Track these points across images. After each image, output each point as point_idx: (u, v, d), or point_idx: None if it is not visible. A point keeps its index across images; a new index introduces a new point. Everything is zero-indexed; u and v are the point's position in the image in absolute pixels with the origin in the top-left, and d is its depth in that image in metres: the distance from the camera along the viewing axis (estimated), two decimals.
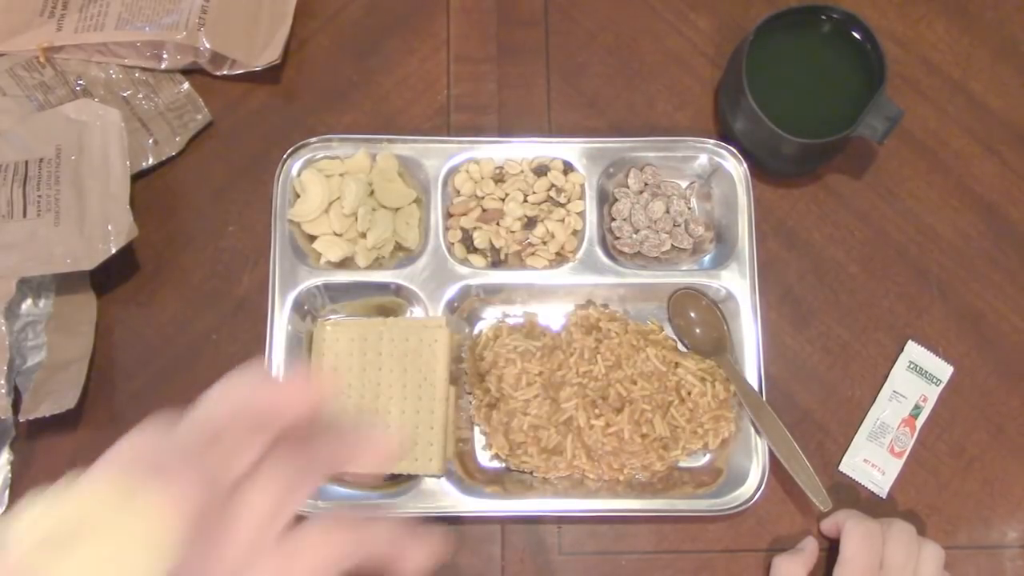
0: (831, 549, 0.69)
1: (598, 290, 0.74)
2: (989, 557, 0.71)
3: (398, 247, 0.75)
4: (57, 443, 0.71)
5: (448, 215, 0.75)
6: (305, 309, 0.72)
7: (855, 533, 0.64)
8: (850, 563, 0.64)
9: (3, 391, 0.67)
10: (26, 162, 0.70)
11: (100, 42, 0.76)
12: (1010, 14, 0.82)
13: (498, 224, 0.74)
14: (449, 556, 0.70)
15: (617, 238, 0.74)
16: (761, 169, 0.76)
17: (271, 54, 0.77)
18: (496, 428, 0.70)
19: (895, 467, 0.72)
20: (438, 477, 0.68)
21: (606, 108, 0.79)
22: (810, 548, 0.68)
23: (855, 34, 0.73)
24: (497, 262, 0.74)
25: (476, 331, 0.74)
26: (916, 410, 0.73)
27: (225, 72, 0.77)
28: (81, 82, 0.77)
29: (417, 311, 0.73)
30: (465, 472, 0.70)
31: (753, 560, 0.70)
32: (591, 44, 0.81)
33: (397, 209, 0.74)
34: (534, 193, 0.74)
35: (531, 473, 0.70)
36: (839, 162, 0.77)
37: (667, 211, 0.75)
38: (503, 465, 0.71)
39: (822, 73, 0.74)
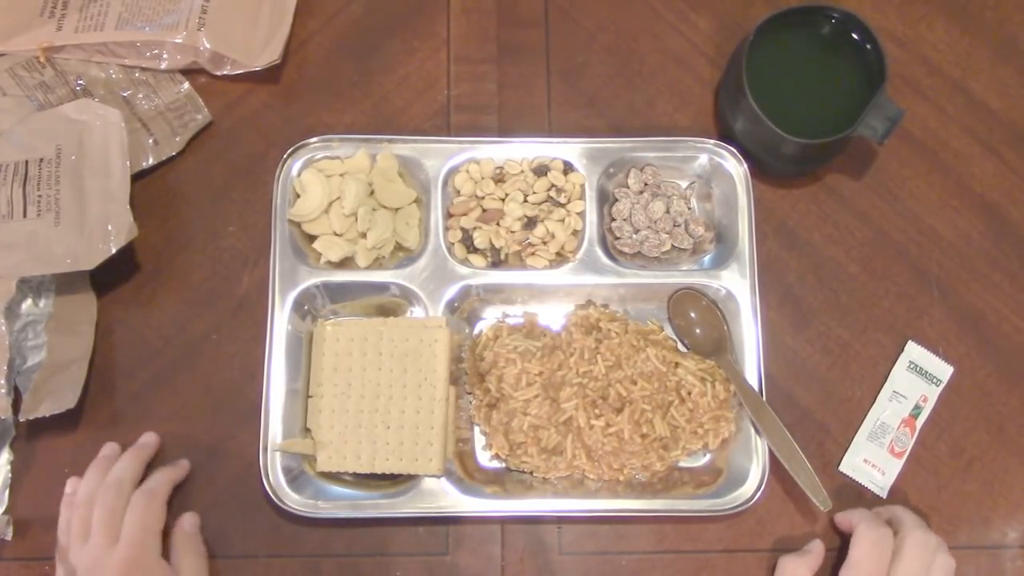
0: (841, 549, 0.69)
1: (598, 290, 0.74)
2: (989, 557, 0.71)
3: (398, 247, 0.75)
4: (57, 443, 0.71)
5: (448, 215, 0.75)
6: (305, 309, 0.72)
7: (866, 539, 0.64)
8: (857, 567, 0.64)
9: (3, 391, 0.67)
10: (26, 162, 0.70)
11: (100, 42, 0.76)
12: (1010, 14, 0.82)
13: (498, 224, 0.74)
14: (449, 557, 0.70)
15: (617, 238, 0.74)
16: (761, 169, 0.76)
17: (271, 54, 0.77)
18: (496, 428, 0.70)
19: (895, 467, 0.72)
20: (438, 477, 0.68)
21: (606, 108, 0.79)
22: (816, 550, 0.68)
23: (855, 34, 0.73)
24: (497, 262, 0.74)
25: (476, 331, 0.74)
26: (916, 410, 0.73)
27: (225, 72, 0.77)
28: (81, 82, 0.77)
29: (417, 311, 0.73)
30: (465, 472, 0.70)
31: (753, 560, 0.70)
32: (591, 44, 0.81)
33: (397, 209, 0.74)
34: (534, 193, 0.74)
35: (531, 473, 0.70)
36: (839, 162, 0.77)
37: (667, 211, 0.75)
38: (503, 465, 0.71)
39: (822, 73, 0.74)
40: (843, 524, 0.68)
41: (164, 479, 0.68)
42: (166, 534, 0.66)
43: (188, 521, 0.68)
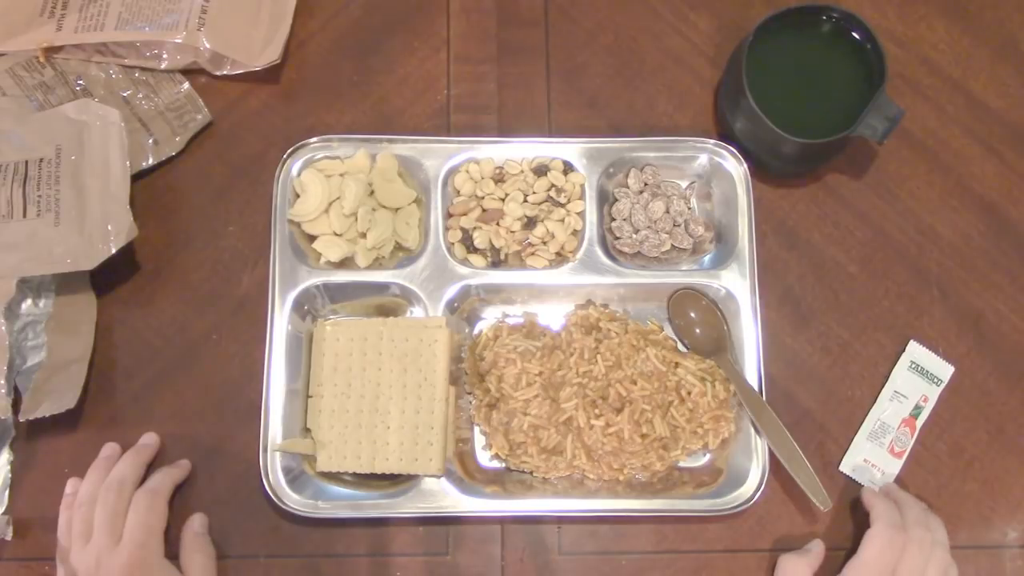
0: (841, 548, 0.69)
1: (598, 290, 0.74)
2: (989, 557, 0.71)
3: (398, 247, 0.75)
4: (57, 443, 0.71)
5: (448, 215, 0.75)
6: (305, 309, 0.72)
7: (878, 540, 0.64)
8: (866, 566, 0.64)
9: (3, 391, 0.67)
10: (26, 162, 0.70)
11: (100, 42, 0.76)
12: (1010, 14, 0.82)
13: (498, 224, 0.74)
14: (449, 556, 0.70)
15: (617, 238, 0.74)
16: (761, 169, 0.76)
17: (271, 54, 0.77)
18: (496, 428, 0.70)
19: (895, 467, 0.72)
20: (438, 477, 0.68)
21: (606, 108, 0.79)
22: (817, 550, 0.68)
23: (855, 34, 0.73)
24: (497, 262, 0.74)
25: (476, 331, 0.74)
26: (916, 410, 0.73)
27: (225, 72, 0.77)
28: (81, 82, 0.77)
29: (417, 311, 0.73)
30: (465, 472, 0.70)
31: (753, 560, 0.70)
32: (591, 44, 0.81)
33: (397, 209, 0.74)
34: (534, 193, 0.74)
35: (531, 473, 0.70)
36: (839, 162, 0.77)
37: (667, 211, 0.75)
38: (503, 465, 0.71)
39: (822, 73, 0.74)
40: (866, 503, 0.68)
41: (166, 479, 0.68)
42: (168, 534, 0.66)
43: (198, 521, 0.69)
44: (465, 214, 0.74)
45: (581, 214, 0.75)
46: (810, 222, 0.77)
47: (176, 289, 0.75)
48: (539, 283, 0.73)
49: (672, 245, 0.74)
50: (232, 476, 0.71)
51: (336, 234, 0.73)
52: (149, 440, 0.70)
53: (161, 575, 0.64)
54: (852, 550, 0.66)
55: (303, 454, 0.70)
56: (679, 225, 0.75)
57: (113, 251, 0.69)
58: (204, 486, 0.71)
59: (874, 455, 0.72)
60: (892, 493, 0.69)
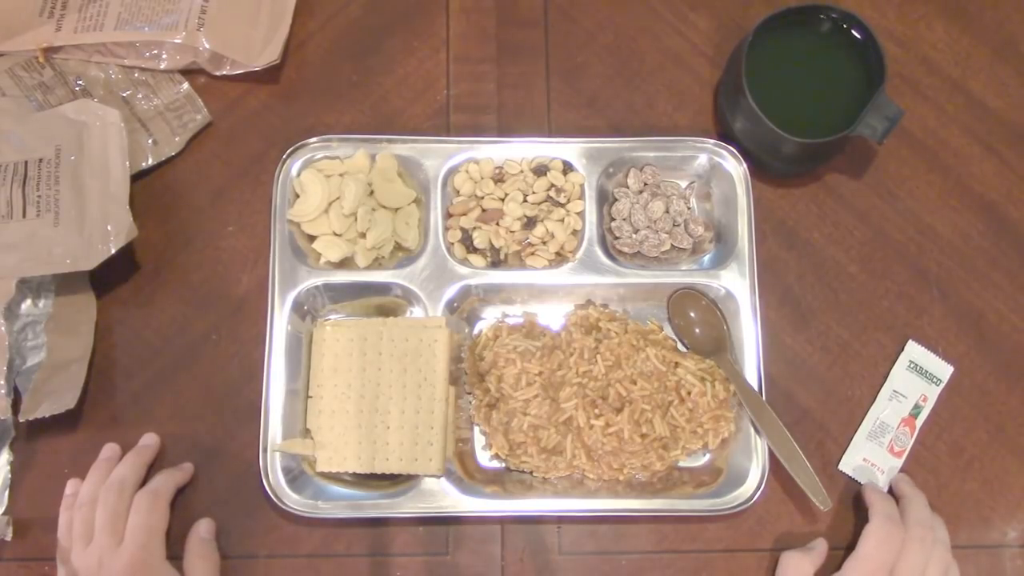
0: (844, 548, 0.69)
1: (598, 290, 0.74)
2: (989, 556, 0.71)
3: (398, 247, 0.75)
4: (57, 443, 0.71)
5: (448, 215, 0.75)
6: (305, 309, 0.72)
7: (876, 535, 0.65)
8: (864, 561, 0.64)
9: (3, 391, 0.67)
10: (26, 162, 0.70)
11: (99, 42, 0.76)
12: (1009, 14, 0.82)
13: (498, 224, 0.74)
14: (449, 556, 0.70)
15: (617, 238, 0.74)
16: (761, 169, 0.76)
17: (271, 54, 0.77)
18: (496, 428, 0.70)
19: (895, 467, 0.72)
20: (438, 477, 0.68)
21: (606, 108, 0.79)
22: (820, 549, 0.68)
23: (855, 34, 0.73)
24: (497, 262, 0.74)
25: (476, 331, 0.74)
26: (916, 410, 0.73)
27: (225, 72, 0.77)
28: (81, 82, 0.77)
29: (417, 311, 0.73)
30: (465, 472, 0.70)
31: (753, 560, 0.70)
32: (591, 44, 0.81)
33: (397, 209, 0.74)
34: (534, 193, 0.74)
35: (531, 473, 0.70)
36: (839, 162, 0.77)
37: (667, 211, 0.75)
38: (503, 465, 0.71)
39: (822, 73, 0.74)
40: (865, 498, 0.68)
41: (167, 481, 0.68)
42: (169, 535, 0.66)
43: (204, 527, 0.69)
44: (465, 214, 0.74)
45: (581, 214, 0.75)
46: (810, 222, 0.77)
47: (176, 289, 0.75)
48: (539, 283, 0.73)
49: (672, 245, 0.74)
50: (232, 476, 0.71)
51: (336, 234, 0.73)
52: (149, 441, 0.70)
53: None
54: (852, 548, 0.66)
55: (303, 454, 0.70)
56: (679, 225, 0.75)
57: (113, 251, 0.69)
58: (204, 486, 0.71)
59: (874, 454, 0.72)
60: (901, 487, 0.69)
